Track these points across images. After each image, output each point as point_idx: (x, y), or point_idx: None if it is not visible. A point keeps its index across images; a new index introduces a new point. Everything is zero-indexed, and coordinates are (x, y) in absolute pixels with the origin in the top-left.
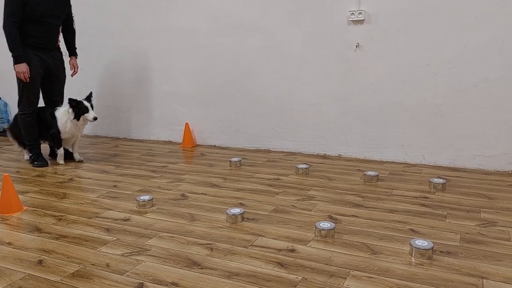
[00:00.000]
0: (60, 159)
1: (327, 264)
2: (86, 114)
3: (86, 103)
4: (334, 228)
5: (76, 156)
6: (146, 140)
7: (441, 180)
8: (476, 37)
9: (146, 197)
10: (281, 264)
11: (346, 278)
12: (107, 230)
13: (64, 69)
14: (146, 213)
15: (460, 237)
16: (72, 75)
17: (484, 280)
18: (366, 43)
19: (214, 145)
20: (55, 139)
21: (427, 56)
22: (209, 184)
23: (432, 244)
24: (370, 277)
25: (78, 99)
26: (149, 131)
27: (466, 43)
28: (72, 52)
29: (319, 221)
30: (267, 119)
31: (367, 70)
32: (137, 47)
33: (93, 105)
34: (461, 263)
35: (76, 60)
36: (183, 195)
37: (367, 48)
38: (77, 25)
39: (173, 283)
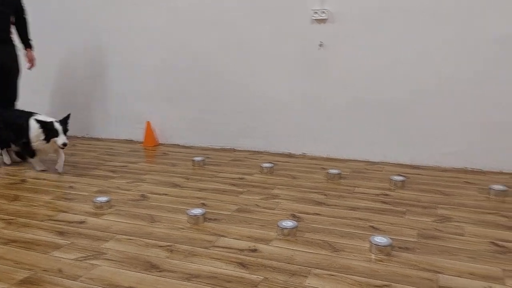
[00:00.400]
0: (39, 166)
1: (288, 263)
2: (55, 139)
3: (57, 126)
4: (297, 226)
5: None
6: (105, 139)
7: (400, 178)
8: (436, 37)
9: (104, 199)
10: (242, 264)
11: (307, 277)
12: (61, 233)
13: (18, 63)
14: (104, 215)
15: (417, 233)
16: (29, 68)
17: (440, 274)
18: (330, 42)
19: (178, 144)
20: (26, 149)
21: (389, 55)
22: (171, 184)
23: (391, 241)
24: (331, 274)
25: (49, 120)
26: (108, 130)
27: (427, 42)
28: (27, 44)
29: (282, 219)
30: (232, 117)
31: (331, 68)
32: (97, 43)
33: (68, 129)
34: (419, 258)
35: (32, 52)
36: (143, 195)
37: (330, 47)
38: (34, 20)
39: None
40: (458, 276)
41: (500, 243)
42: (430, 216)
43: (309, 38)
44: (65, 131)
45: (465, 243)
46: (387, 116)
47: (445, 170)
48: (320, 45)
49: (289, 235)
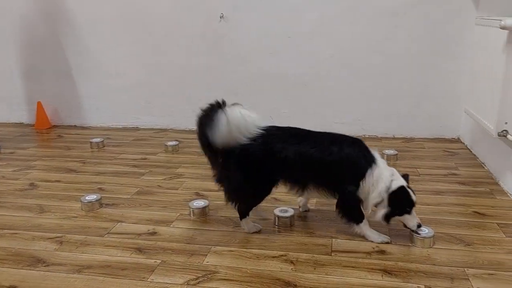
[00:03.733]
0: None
1: (189, 244)
2: (401, 217)
3: (413, 196)
4: (208, 205)
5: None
6: None
7: None
8: (330, 9)
9: None
10: (139, 250)
11: (206, 255)
12: None
13: None
14: None
15: (315, 200)
16: None
17: (333, 239)
18: (230, 14)
19: (75, 125)
20: (354, 207)
21: (289, 27)
22: (65, 169)
23: (293, 211)
24: (230, 250)
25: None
26: None
27: (322, 14)
28: None
29: (185, 200)
30: (133, 94)
31: (233, 41)
32: None
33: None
34: (315, 225)
35: None
36: (32, 184)
37: (231, 18)
38: None
39: (11, 287)
40: (350, 240)
41: None
42: None
43: (210, 9)
44: None
45: None
46: (290, 88)
47: None
48: (221, 17)
49: (196, 215)
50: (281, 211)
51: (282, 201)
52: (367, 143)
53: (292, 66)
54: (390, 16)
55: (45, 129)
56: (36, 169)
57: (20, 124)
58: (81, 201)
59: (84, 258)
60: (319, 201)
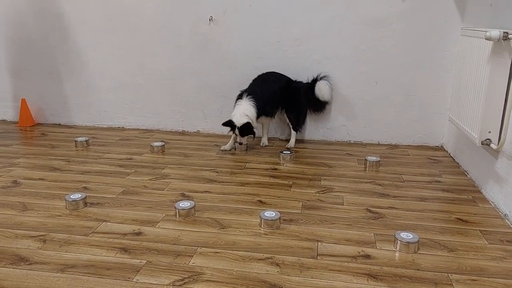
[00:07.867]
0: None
1: (174, 244)
2: None
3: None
4: (194, 206)
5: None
6: None
7: (288, 152)
8: (318, 16)
9: None
10: (124, 250)
11: (192, 256)
12: None
13: None
14: None
15: (302, 204)
16: None
17: (319, 243)
18: (220, 17)
19: (59, 124)
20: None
21: (277, 33)
22: (49, 167)
23: (279, 214)
24: (216, 252)
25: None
26: None
27: (311, 21)
28: None
29: (171, 200)
30: (119, 94)
31: (222, 44)
32: None
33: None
34: (301, 229)
35: None
36: (15, 181)
37: (220, 22)
38: None
39: None
40: (336, 244)
41: (373, 209)
42: (314, 187)
43: (199, 12)
44: None
45: (343, 212)
46: None
47: (330, 143)
48: (210, 20)
49: (182, 216)
50: (267, 214)
51: (268, 204)
52: (353, 149)
53: (279, 70)
54: (376, 27)
55: (29, 127)
56: (19, 166)
57: (3, 121)
58: (65, 200)
59: (68, 257)
60: (305, 205)
